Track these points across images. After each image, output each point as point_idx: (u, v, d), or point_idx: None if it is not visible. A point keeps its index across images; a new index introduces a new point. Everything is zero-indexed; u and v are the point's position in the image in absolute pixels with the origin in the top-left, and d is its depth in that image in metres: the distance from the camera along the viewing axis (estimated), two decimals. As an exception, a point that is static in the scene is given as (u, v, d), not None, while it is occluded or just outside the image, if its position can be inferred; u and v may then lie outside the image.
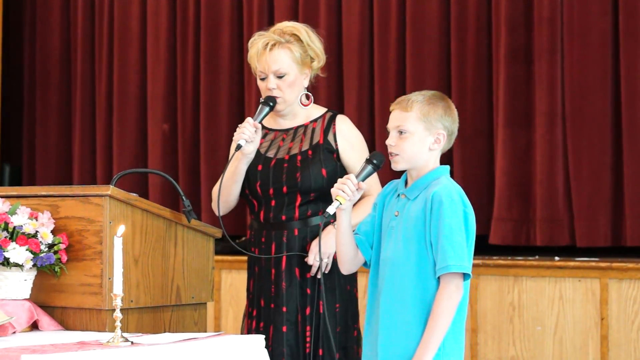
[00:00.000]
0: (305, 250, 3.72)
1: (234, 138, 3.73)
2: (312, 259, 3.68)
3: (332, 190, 3.19)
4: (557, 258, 5.23)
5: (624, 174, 5.26)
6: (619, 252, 5.33)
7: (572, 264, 5.11)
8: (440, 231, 3.07)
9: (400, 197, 3.21)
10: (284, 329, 3.67)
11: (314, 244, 3.69)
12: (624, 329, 4.97)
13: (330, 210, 3.18)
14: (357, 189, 3.19)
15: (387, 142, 3.19)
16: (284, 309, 3.70)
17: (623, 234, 5.26)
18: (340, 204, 3.17)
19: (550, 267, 5.13)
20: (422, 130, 3.16)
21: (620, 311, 4.98)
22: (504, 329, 5.19)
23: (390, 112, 3.23)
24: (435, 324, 3.06)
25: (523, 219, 5.45)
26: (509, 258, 5.28)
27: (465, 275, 3.08)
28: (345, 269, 3.32)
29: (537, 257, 5.31)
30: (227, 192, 3.80)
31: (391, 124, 3.20)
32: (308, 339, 3.69)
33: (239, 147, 3.68)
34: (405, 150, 3.15)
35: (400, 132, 3.16)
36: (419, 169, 3.18)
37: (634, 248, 5.28)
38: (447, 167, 3.21)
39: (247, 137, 3.68)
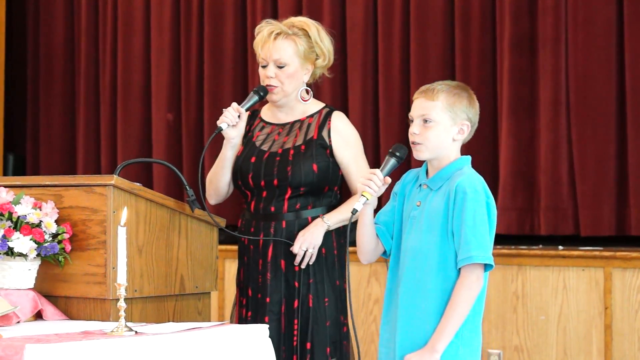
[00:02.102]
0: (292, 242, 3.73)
1: (217, 122, 3.76)
2: (297, 247, 3.69)
3: (359, 186, 3.16)
4: (561, 247, 5.22)
5: (628, 162, 5.24)
6: (623, 241, 5.32)
7: (576, 253, 5.10)
8: (463, 221, 3.05)
9: (422, 187, 3.19)
10: (266, 319, 3.67)
11: (301, 234, 3.69)
12: (628, 318, 4.96)
13: (358, 206, 3.15)
14: (382, 184, 3.17)
15: (411, 130, 3.15)
16: (267, 300, 3.71)
17: (627, 223, 5.26)
18: (367, 199, 3.15)
19: (554, 256, 5.13)
20: (447, 119, 3.13)
21: (624, 300, 4.97)
22: (507, 318, 5.18)
23: (412, 102, 3.19)
24: (453, 312, 3.05)
25: (527, 208, 5.44)
26: (513, 247, 5.28)
27: (486, 266, 3.08)
28: (366, 259, 3.30)
29: (540, 246, 5.30)
30: (216, 178, 3.83)
31: (415, 113, 3.16)
32: (295, 332, 3.70)
33: (219, 130, 3.72)
34: (430, 140, 3.12)
35: (425, 121, 3.13)
36: (440, 159, 3.16)
37: (638, 237, 5.27)
38: (469, 158, 3.19)
39: (229, 121, 3.72)
